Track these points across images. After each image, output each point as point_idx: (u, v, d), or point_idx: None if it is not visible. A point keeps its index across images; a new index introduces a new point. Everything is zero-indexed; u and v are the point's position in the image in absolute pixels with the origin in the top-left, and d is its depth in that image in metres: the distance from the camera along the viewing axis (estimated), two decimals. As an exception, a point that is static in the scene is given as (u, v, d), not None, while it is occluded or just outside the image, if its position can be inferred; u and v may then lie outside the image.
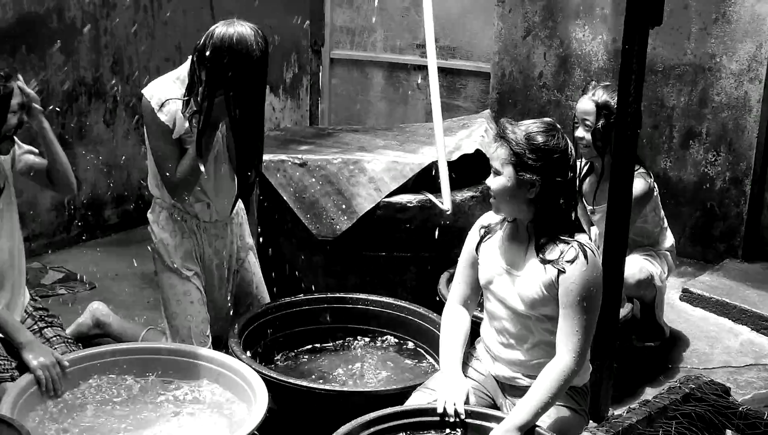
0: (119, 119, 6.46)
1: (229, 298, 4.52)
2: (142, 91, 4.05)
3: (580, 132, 4.64)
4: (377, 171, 5.07)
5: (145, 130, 4.15)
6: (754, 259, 6.06)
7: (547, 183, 3.17)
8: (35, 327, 4.07)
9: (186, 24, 6.76)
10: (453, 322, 3.55)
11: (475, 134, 5.52)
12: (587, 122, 4.60)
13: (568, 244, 3.21)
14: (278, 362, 4.41)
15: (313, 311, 4.55)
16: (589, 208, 4.81)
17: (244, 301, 4.57)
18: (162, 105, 4.00)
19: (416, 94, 7.66)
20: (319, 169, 5.09)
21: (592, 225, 4.87)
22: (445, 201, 4.96)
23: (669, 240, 4.93)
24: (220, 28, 3.86)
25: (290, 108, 7.83)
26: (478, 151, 5.26)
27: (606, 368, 3.63)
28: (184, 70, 4.06)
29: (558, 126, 3.29)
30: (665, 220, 4.92)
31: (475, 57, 7.28)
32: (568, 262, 3.16)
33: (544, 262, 3.22)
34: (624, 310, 4.36)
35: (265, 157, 5.19)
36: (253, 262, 4.63)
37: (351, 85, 8.01)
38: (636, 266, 4.66)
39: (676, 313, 5.40)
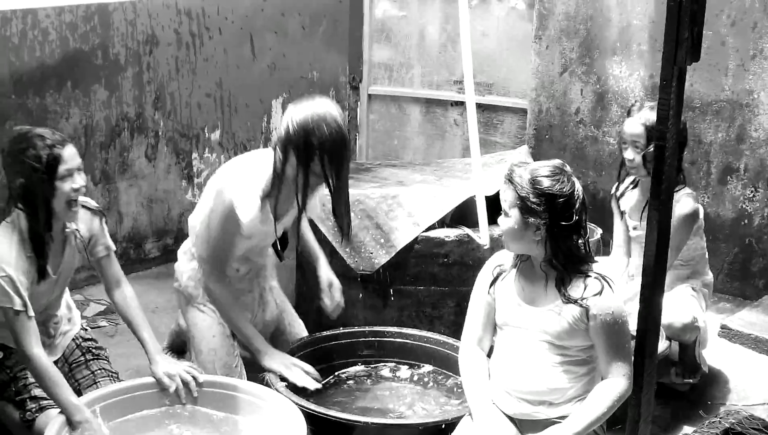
0: (161, 154, 6.56)
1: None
2: (229, 196, 3.95)
3: (629, 153, 4.66)
4: (415, 205, 5.11)
5: (210, 213, 4.10)
6: (793, 295, 6.03)
7: (553, 226, 3.23)
8: (81, 359, 4.12)
9: (227, 61, 6.87)
10: (474, 364, 3.58)
11: (513, 169, 5.55)
12: (637, 144, 4.62)
13: (588, 276, 3.28)
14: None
15: (351, 345, 4.57)
16: (633, 223, 4.82)
17: (279, 338, 4.60)
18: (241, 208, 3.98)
19: (453, 130, 7.71)
20: (359, 203, 5.14)
21: (629, 256, 4.89)
22: (483, 235, 4.98)
23: (709, 273, 4.92)
24: (301, 112, 3.87)
25: (328, 143, 7.90)
26: (515, 186, 5.28)
27: (644, 404, 3.63)
28: (263, 175, 3.99)
29: (566, 169, 3.32)
30: (706, 252, 4.92)
31: (511, 93, 7.33)
32: (594, 295, 3.24)
33: (569, 300, 3.27)
34: (661, 346, 4.35)
35: (305, 191, 5.25)
36: (280, 300, 4.67)
37: (389, 120, 8.08)
38: (683, 310, 4.63)
39: (714, 350, 5.36)
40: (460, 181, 5.46)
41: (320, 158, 3.82)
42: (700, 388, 4.94)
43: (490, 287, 3.52)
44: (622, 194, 4.97)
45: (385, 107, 8.07)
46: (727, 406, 4.75)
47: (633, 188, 4.89)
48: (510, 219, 3.31)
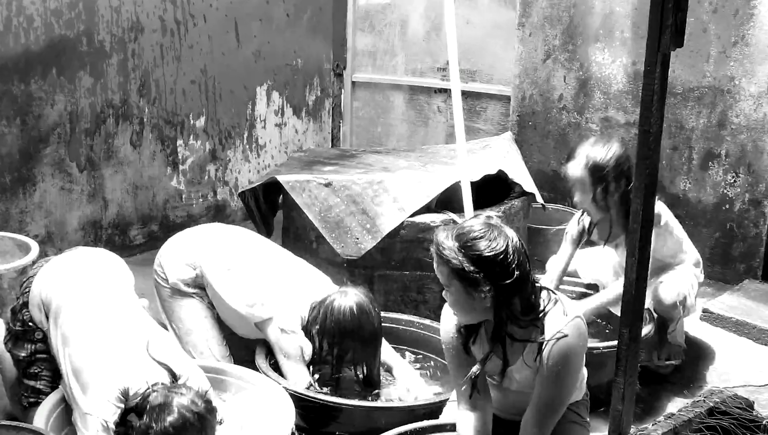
0: (146, 141, 6.57)
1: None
2: (278, 335, 4.28)
3: (577, 197, 4.70)
4: (401, 191, 5.14)
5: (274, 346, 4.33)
6: (773, 279, 6.11)
7: (498, 288, 3.05)
8: None
9: (212, 48, 6.87)
10: (462, 430, 3.36)
11: (497, 155, 5.60)
12: (583, 188, 4.64)
13: (540, 325, 3.16)
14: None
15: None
16: (601, 245, 4.86)
17: None
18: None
19: (437, 117, 7.74)
20: (344, 189, 5.17)
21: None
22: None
23: (693, 256, 4.97)
24: (339, 302, 4.20)
25: (313, 130, 7.92)
26: (500, 171, 5.33)
27: (628, 387, 3.67)
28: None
29: (494, 223, 3.13)
30: (685, 239, 4.97)
31: (495, 80, 7.36)
32: (548, 342, 3.12)
33: (526, 347, 3.19)
34: (645, 329, 4.41)
35: (291, 177, 5.30)
36: None
37: (372, 107, 8.10)
38: (674, 289, 4.71)
39: (696, 333, 5.43)
40: (444, 167, 5.49)
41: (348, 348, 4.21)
42: (682, 371, 5.01)
43: (466, 350, 3.33)
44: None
45: (369, 94, 8.10)
46: (708, 388, 4.82)
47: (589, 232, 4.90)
48: (452, 292, 3.14)
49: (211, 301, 4.56)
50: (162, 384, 3.40)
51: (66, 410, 3.75)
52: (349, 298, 4.18)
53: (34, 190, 5.95)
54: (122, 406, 3.35)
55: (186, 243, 4.68)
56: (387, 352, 4.46)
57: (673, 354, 4.94)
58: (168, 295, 4.58)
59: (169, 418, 3.27)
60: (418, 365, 4.63)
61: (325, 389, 4.22)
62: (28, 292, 3.96)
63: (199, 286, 4.55)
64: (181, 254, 4.60)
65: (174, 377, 3.56)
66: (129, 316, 3.81)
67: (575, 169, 4.64)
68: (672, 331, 4.87)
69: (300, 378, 4.16)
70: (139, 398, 3.36)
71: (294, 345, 4.19)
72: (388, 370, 4.43)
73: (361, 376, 4.23)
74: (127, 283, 4.12)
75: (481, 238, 3.04)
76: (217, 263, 4.48)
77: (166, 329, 4.48)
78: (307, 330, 4.24)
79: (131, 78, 6.39)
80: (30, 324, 3.90)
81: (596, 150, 4.60)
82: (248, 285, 4.38)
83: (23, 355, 3.91)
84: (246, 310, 4.31)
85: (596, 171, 4.56)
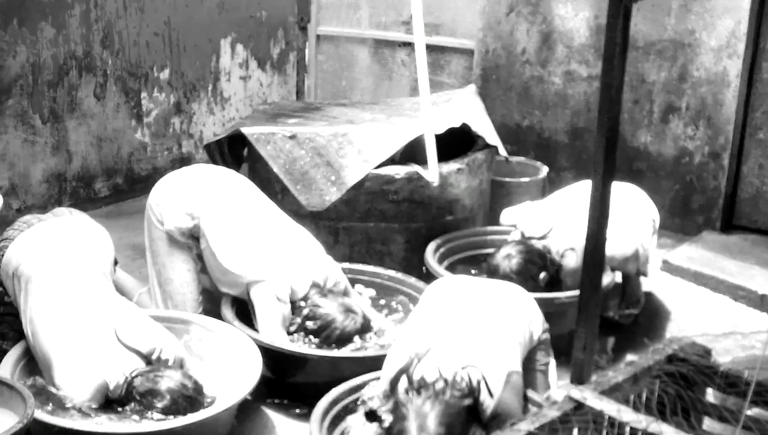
0: (109, 93, 6.53)
1: None
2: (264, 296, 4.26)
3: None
4: (365, 143, 5.17)
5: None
6: (731, 230, 6.20)
7: None
8: None
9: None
10: None
11: (461, 108, 5.63)
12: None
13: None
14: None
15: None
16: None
17: None
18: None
19: (401, 71, 7.74)
20: (309, 141, 5.19)
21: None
22: (432, 173, 5.06)
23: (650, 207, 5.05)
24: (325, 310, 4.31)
25: (277, 83, 7.91)
26: (464, 124, 5.37)
27: (589, 336, 3.75)
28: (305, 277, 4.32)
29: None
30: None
31: (458, 34, 7.37)
32: None
33: None
34: (606, 279, 4.48)
35: (255, 129, 5.32)
36: None
37: (337, 61, 8.09)
38: (625, 244, 4.73)
39: (656, 284, 5.53)
40: (409, 120, 5.52)
41: None
42: (641, 321, 5.10)
43: None
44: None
45: (333, 48, 8.08)
46: (667, 338, 4.91)
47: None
48: None
49: (199, 254, 4.55)
50: (138, 370, 3.47)
51: (31, 362, 3.78)
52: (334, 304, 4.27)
53: (-4, 142, 5.92)
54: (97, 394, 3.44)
55: (186, 189, 4.62)
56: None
57: (633, 304, 5.03)
58: (158, 237, 4.56)
59: (161, 404, 3.34)
60: (386, 311, 4.68)
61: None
62: (2, 256, 3.97)
63: (193, 237, 4.54)
64: (181, 201, 4.54)
65: (148, 361, 3.62)
66: (99, 298, 3.83)
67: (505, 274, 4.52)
68: (635, 283, 4.96)
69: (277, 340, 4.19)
70: (121, 389, 3.43)
71: (279, 313, 4.21)
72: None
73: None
74: (104, 257, 4.13)
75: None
76: (217, 218, 4.45)
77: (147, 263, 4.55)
78: (296, 307, 4.28)
79: (94, 29, 6.34)
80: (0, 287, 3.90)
81: (510, 261, 4.55)
82: (245, 244, 4.38)
83: None
84: (239, 269, 4.31)
85: (519, 274, 4.51)
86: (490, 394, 3.19)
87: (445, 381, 3.15)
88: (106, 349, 3.59)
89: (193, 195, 4.56)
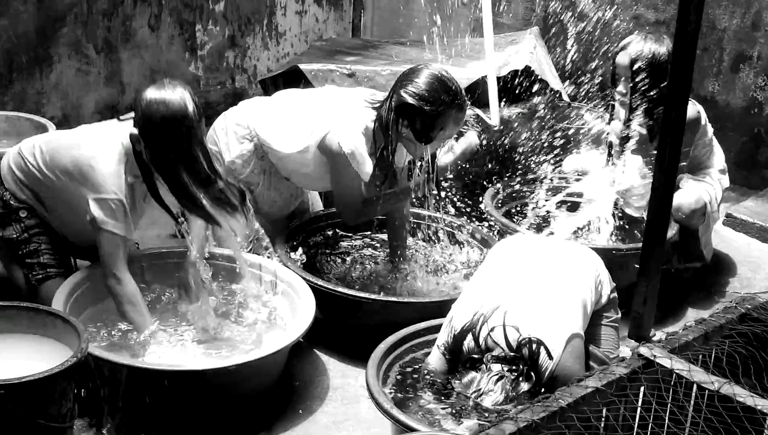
0: (164, 24, 6.42)
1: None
2: (338, 141, 4.03)
3: (620, 88, 4.69)
4: (425, 84, 5.04)
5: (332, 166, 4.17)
6: (798, 185, 6.03)
7: None
8: None
9: (232, -70, 6.70)
10: None
11: (524, 50, 5.48)
12: (624, 78, 4.63)
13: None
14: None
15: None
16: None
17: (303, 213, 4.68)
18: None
19: (461, 10, 7.57)
20: (368, 80, 5.08)
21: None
22: (493, 116, 4.95)
23: (720, 161, 4.89)
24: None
25: (333, 19, 7.75)
26: (527, 66, 5.23)
27: (650, 290, 3.64)
28: (366, 119, 4.13)
29: None
30: (715, 143, 4.88)
31: (522, -26, 7.18)
32: None
33: None
34: (669, 232, 4.35)
35: (313, 66, 5.22)
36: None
37: (395, -2, 7.93)
38: (694, 196, 4.64)
39: (719, 238, 5.36)
40: (470, 61, 5.38)
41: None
42: (703, 276, 4.97)
43: None
44: None
45: (391, -16, 7.92)
46: (730, 294, 4.78)
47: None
48: None
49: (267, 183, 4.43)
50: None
51: (84, 295, 3.73)
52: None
53: (50, 71, 5.84)
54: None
55: (241, 118, 4.43)
56: None
57: (695, 258, 4.89)
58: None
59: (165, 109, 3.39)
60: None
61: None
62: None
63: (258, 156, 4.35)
64: (233, 130, 4.38)
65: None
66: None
67: (621, 57, 4.64)
68: (697, 237, 4.82)
69: (367, 169, 4.07)
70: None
71: (363, 145, 4.09)
72: None
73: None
74: None
75: None
76: (270, 121, 4.27)
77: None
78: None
79: (150, -43, 6.23)
80: (11, 202, 3.80)
81: (646, 42, 4.59)
82: (301, 121, 4.20)
83: (15, 235, 3.80)
84: (304, 141, 4.14)
85: (636, 62, 4.55)
86: (550, 357, 3.15)
87: (509, 346, 3.14)
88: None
89: (242, 119, 4.38)
